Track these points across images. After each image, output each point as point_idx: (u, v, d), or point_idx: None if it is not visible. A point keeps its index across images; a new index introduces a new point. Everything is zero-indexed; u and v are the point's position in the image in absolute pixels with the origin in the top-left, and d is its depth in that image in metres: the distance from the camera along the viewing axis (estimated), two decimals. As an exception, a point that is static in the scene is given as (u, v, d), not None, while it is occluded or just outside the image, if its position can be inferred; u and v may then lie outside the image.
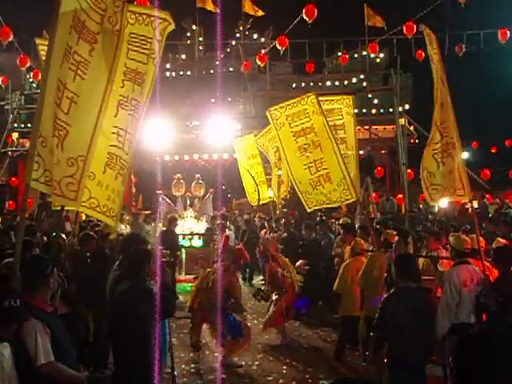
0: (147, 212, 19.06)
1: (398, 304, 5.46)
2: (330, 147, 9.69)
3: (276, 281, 10.12)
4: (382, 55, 25.70)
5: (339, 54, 23.73)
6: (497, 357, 1.82)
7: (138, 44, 6.28)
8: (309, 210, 10.70)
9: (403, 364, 5.44)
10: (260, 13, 23.24)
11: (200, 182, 17.00)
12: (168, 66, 26.92)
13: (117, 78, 5.99)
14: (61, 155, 5.17)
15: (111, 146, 6.13)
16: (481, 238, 7.99)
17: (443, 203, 8.16)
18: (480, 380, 1.80)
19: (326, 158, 9.74)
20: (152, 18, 6.33)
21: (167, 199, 16.33)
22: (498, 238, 8.83)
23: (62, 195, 5.21)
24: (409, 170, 16.22)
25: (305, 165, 9.92)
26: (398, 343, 5.44)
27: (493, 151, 29.34)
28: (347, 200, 9.77)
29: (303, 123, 10.03)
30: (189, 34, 27.77)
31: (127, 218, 15.27)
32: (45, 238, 9.62)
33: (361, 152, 23.13)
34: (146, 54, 6.32)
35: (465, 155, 28.32)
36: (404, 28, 17.38)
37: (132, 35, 6.25)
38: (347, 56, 23.25)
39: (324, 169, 9.78)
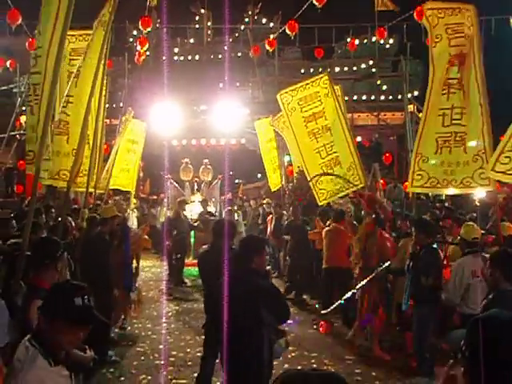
0: (155, 197, 19.13)
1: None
2: (340, 130, 9.61)
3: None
4: (391, 41, 25.47)
5: (348, 39, 23.52)
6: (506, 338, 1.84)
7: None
8: (320, 203, 10.60)
9: None
10: None
11: (208, 167, 17.01)
12: (176, 50, 26.83)
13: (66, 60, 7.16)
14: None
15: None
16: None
17: (450, 191, 8.07)
18: (493, 360, 1.82)
19: (335, 142, 9.66)
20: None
21: (175, 184, 16.35)
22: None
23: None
24: (417, 157, 16.09)
25: (315, 149, 9.86)
26: None
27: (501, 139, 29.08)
28: (356, 186, 9.67)
29: (313, 108, 9.93)
30: (197, 18, 27.60)
31: (134, 201, 15.31)
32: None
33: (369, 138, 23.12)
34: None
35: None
36: (414, 13, 17.09)
37: None
38: (356, 42, 23.04)
39: (334, 152, 9.69)
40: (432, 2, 7.82)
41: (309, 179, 10.19)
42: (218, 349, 5.72)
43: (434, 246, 7.41)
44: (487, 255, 6.75)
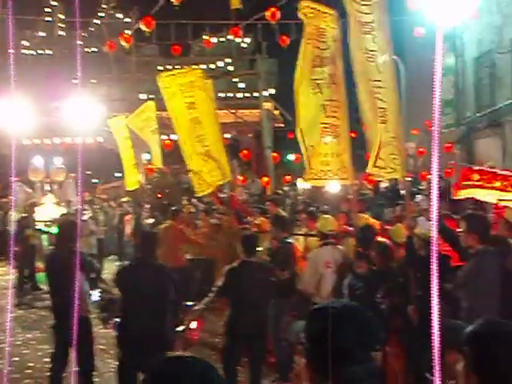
0: (3, 200, 17.99)
1: (241, 275, 5.97)
2: (211, 124, 9.56)
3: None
4: (248, 40, 26.00)
5: (205, 37, 23.66)
6: (340, 327, 1.94)
7: None
8: (200, 194, 10.43)
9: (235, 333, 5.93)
10: None
11: (60, 166, 16.31)
12: (25, 43, 25.40)
13: None
14: None
15: None
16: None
17: (306, 185, 8.48)
18: (330, 349, 1.90)
19: (207, 136, 9.55)
20: None
21: (24, 186, 15.48)
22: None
23: None
24: (274, 154, 16.69)
25: (196, 137, 9.65)
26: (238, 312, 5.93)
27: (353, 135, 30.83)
28: (224, 179, 9.68)
29: (188, 97, 9.76)
30: (49, 10, 26.31)
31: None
32: None
33: (227, 135, 23.47)
34: None
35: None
36: (267, 13, 17.47)
37: None
38: (213, 40, 23.23)
39: (206, 145, 9.57)
40: (307, 1, 7.84)
41: (192, 174, 10.02)
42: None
43: (290, 240, 7.71)
44: (341, 247, 7.17)
